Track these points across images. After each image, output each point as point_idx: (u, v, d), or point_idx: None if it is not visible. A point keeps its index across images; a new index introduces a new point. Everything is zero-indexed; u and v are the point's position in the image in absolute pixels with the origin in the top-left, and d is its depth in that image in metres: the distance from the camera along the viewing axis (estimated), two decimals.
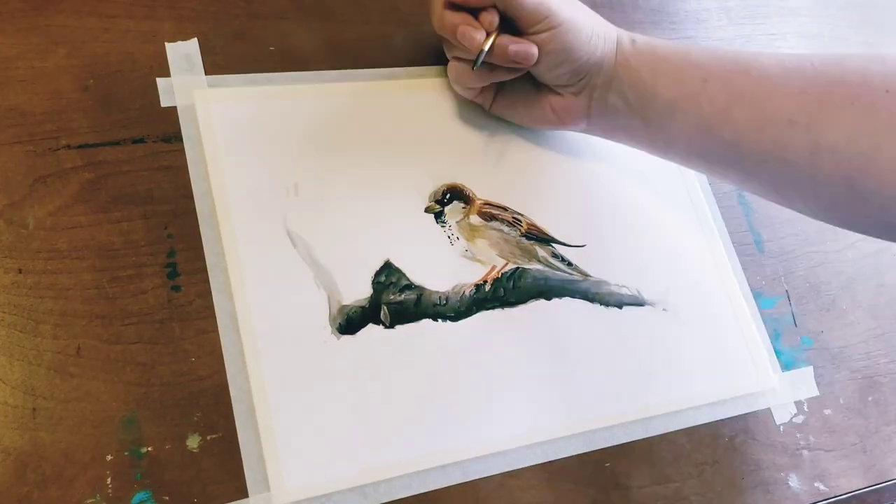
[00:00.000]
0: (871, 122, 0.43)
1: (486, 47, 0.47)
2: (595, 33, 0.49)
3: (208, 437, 0.41)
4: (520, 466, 0.46)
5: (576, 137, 0.56)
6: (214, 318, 0.44)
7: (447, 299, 0.48)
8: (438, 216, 0.50)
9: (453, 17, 0.48)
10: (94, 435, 0.40)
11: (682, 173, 0.59)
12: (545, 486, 0.46)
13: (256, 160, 0.48)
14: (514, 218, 0.52)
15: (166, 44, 0.49)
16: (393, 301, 0.47)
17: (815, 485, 0.52)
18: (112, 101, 0.47)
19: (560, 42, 0.48)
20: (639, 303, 0.53)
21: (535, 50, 0.48)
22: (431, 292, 0.48)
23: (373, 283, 0.47)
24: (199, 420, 0.41)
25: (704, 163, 0.51)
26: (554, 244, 0.53)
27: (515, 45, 0.48)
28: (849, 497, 0.53)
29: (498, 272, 0.50)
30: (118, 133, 0.46)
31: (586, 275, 0.52)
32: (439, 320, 0.48)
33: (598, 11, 0.51)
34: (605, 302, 0.52)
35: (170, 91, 0.48)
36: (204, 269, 0.44)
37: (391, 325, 0.47)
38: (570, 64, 0.49)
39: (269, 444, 0.42)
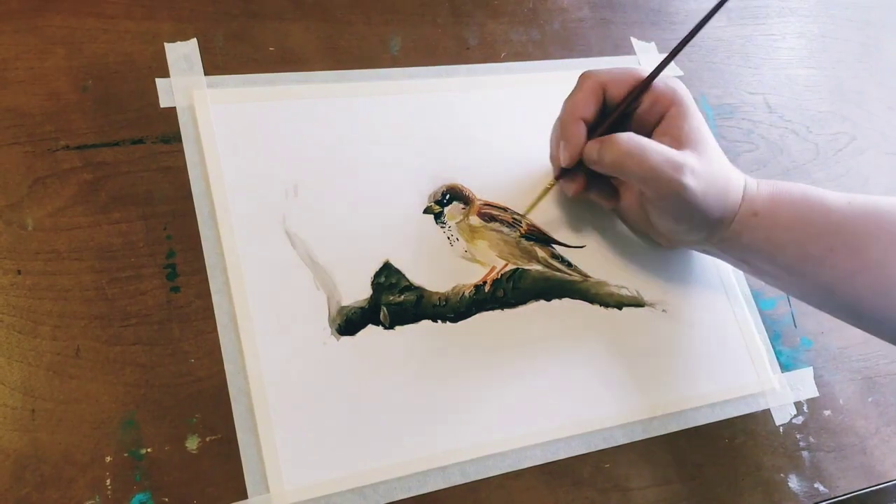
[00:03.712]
0: None
1: (557, 172, 0.51)
2: (714, 203, 0.47)
3: (207, 439, 0.41)
4: (519, 468, 0.46)
5: None
6: (214, 318, 0.44)
7: (447, 300, 0.48)
8: (438, 217, 0.50)
9: (572, 127, 0.48)
10: (94, 436, 0.40)
11: None
12: (545, 488, 0.46)
13: (256, 161, 0.48)
14: (513, 218, 0.52)
15: (165, 44, 0.49)
16: (392, 302, 0.47)
17: (815, 485, 0.52)
18: (111, 101, 0.47)
19: (668, 215, 0.48)
20: (638, 304, 0.53)
21: (574, 190, 0.50)
22: (431, 293, 0.48)
23: (372, 283, 0.47)
24: (198, 421, 0.41)
25: (823, 308, 0.51)
26: (554, 245, 0.53)
27: (566, 184, 0.50)
28: (849, 498, 0.53)
29: (497, 273, 0.50)
30: (117, 134, 0.46)
31: (586, 275, 0.52)
32: (439, 321, 0.48)
33: (598, 12, 0.51)
34: (605, 303, 0.52)
35: (169, 92, 0.48)
36: (203, 270, 0.44)
37: (391, 326, 0.47)
38: (680, 232, 0.50)
39: (268, 445, 0.42)
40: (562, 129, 0.49)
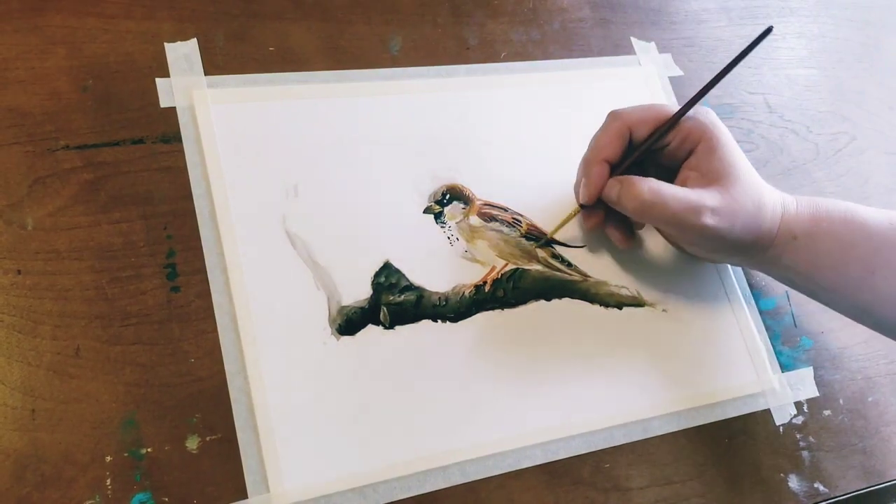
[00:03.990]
0: None
1: (577, 207, 0.51)
2: (744, 234, 0.48)
3: (208, 438, 0.41)
4: (520, 467, 0.46)
5: (574, 138, 0.55)
6: (214, 318, 0.44)
7: (447, 300, 0.48)
8: (438, 217, 0.50)
9: (595, 168, 0.49)
10: (94, 436, 0.40)
11: None
12: (545, 488, 0.46)
13: (256, 161, 0.48)
14: (513, 218, 0.52)
15: (165, 44, 0.49)
16: (392, 302, 0.47)
17: (815, 485, 0.52)
18: (111, 101, 0.47)
19: (699, 248, 0.50)
20: (638, 303, 0.53)
21: (591, 224, 0.51)
22: (431, 293, 0.48)
23: (372, 283, 0.47)
24: (198, 421, 0.41)
25: (863, 324, 0.52)
26: (554, 244, 0.53)
27: (585, 217, 0.51)
28: (848, 498, 0.53)
29: (498, 273, 0.50)
30: (117, 134, 0.46)
31: (586, 275, 0.52)
32: (439, 321, 0.48)
33: (598, 12, 0.51)
34: (605, 303, 0.52)
35: (169, 91, 0.48)
36: (203, 270, 0.44)
37: (391, 326, 0.47)
38: (716, 258, 0.53)
39: (268, 445, 0.42)
40: (584, 169, 0.49)
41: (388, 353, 0.46)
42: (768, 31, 0.46)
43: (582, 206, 0.50)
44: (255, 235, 0.46)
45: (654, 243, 0.55)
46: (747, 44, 0.47)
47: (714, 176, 0.48)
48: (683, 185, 0.48)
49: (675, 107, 0.49)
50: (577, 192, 0.51)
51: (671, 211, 0.46)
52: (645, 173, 0.48)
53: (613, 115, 0.49)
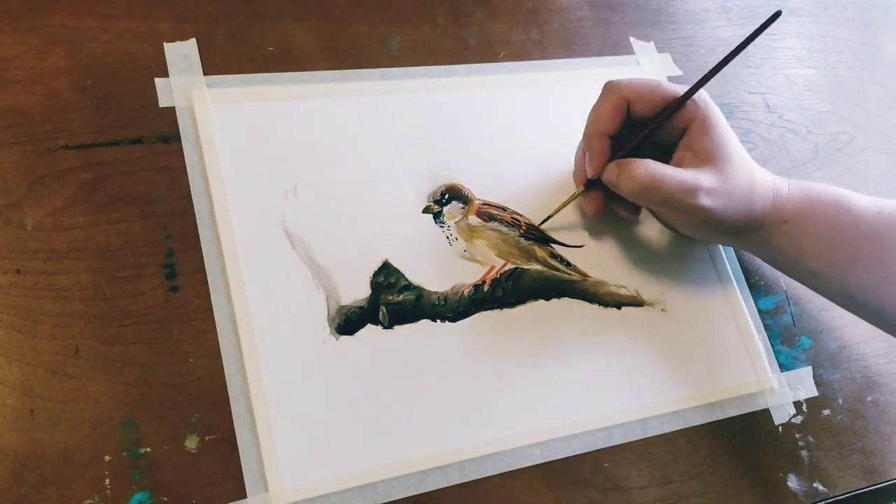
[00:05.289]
0: None
1: (579, 189, 0.52)
2: (737, 215, 0.48)
3: (207, 438, 0.41)
4: (518, 467, 0.46)
5: (574, 138, 0.55)
6: (213, 318, 0.44)
7: (446, 300, 0.48)
8: (437, 216, 0.50)
9: (596, 141, 0.49)
10: (93, 436, 0.40)
11: None
12: (544, 487, 0.46)
13: (255, 161, 0.48)
14: (512, 218, 0.52)
15: (165, 44, 0.49)
16: (391, 301, 0.47)
17: (814, 485, 0.52)
18: (110, 101, 0.47)
19: (692, 227, 0.51)
20: (637, 303, 0.53)
21: (594, 209, 0.51)
22: (430, 293, 0.48)
23: (371, 283, 0.47)
24: (197, 421, 0.41)
25: (849, 311, 0.53)
26: (553, 244, 0.53)
27: (587, 203, 0.52)
28: (848, 497, 0.53)
29: (497, 272, 0.50)
30: (116, 133, 0.46)
31: (585, 275, 0.52)
32: (438, 321, 0.48)
33: (597, 12, 0.51)
34: (604, 302, 0.52)
35: (168, 91, 0.48)
36: (202, 270, 0.44)
37: (390, 326, 0.47)
38: (706, 238, 0.54)
39: (267, 444, 0.42)
40: (586, 144, 0.50)
41: (387, 353, 0.46)
42: (777, 14, 0.46)
43: (589, 184, 0.51)
44: (255, 235, 0.46)
45: (654, 242, 0.55)
46: (752, 34, 0.47)
47: (707, 156, 0.48)
48: (679, 165, 0.48)
49: (670, 84, 0.49)
50: (576, 178, 0.52)
51: (667, 192, 0.46)
52: (640, 152, 0.48)
53: (609, 88, 0.49)
